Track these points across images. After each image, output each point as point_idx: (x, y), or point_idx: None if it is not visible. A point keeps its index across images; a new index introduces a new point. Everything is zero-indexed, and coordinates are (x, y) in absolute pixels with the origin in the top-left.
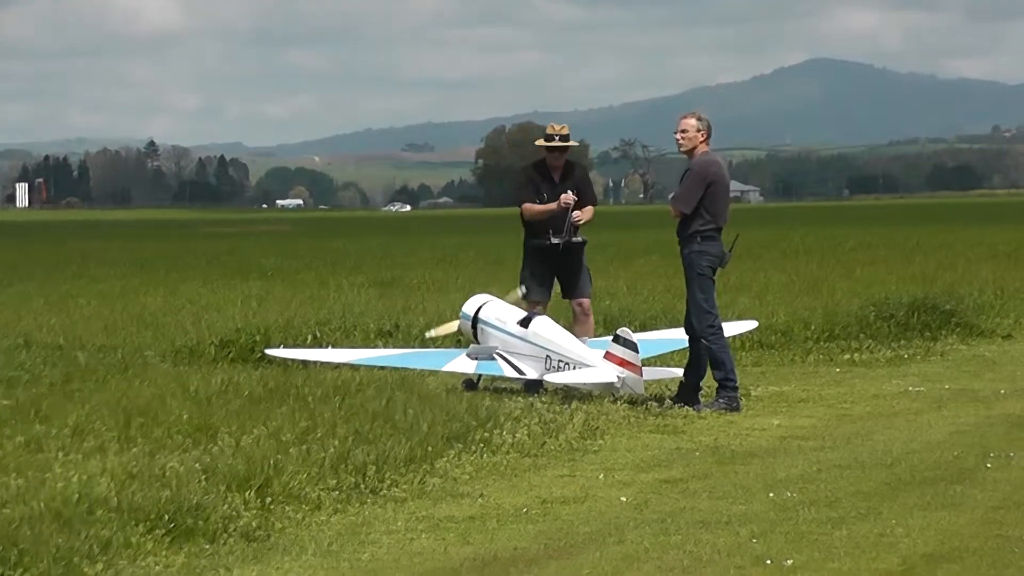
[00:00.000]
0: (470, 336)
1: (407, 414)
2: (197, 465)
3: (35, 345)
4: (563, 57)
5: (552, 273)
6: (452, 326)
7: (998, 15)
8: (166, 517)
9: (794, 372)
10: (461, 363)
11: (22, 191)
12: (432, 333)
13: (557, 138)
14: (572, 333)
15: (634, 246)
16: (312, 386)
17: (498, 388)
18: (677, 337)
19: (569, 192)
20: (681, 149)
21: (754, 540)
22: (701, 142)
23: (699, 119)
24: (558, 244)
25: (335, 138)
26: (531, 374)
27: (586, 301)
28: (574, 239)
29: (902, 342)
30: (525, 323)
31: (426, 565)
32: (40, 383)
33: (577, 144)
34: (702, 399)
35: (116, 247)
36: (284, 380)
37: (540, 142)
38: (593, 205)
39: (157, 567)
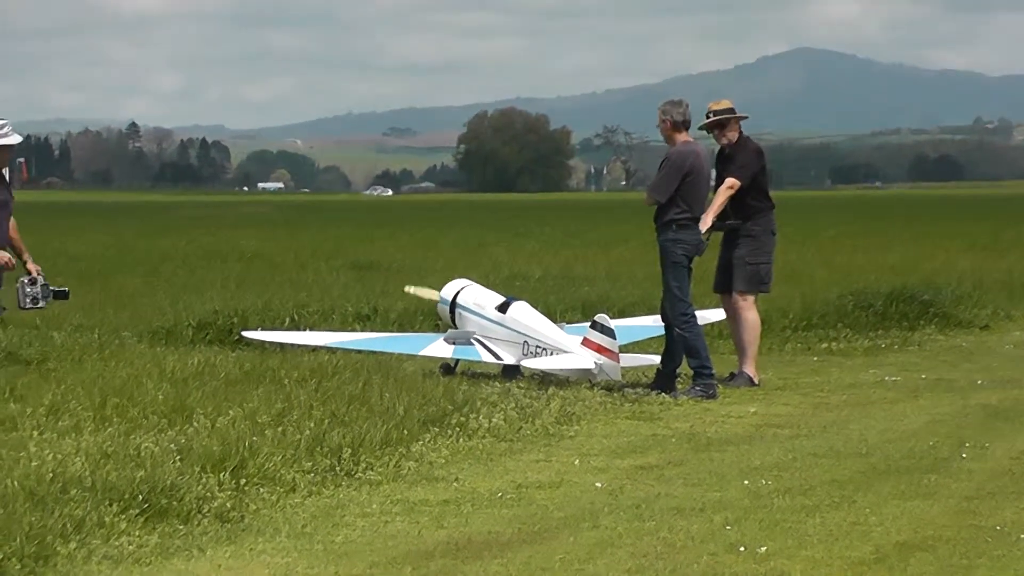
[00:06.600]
0: (448, 320)
1: (383, 397)
2: (172, 446)
3: (11, 324)
4: (546, 43)
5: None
6: (432, 294)
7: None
8: (140, 497)
9: (771, 360)
10: (438, 347)
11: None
12: (411, 289)
13: (711, 115)
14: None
15: (614, 233)
16: (288, 368)
17: (475, 373)
18: (655, 324)
19: None
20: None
21: (728, 527)
22: (674, 132)
23: (663, 112)
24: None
25: (317, 122)
26: (508, 359)
27: (734, 295)
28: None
29: (880, 332)
30: (503, 308)
31: (400, 548)
32: (16, 362)
33: (730, 118)
34: (679, 386)
35: (96, 227)
36: (261, 362)
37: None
38: (731, 177)
39: (130, 547)
